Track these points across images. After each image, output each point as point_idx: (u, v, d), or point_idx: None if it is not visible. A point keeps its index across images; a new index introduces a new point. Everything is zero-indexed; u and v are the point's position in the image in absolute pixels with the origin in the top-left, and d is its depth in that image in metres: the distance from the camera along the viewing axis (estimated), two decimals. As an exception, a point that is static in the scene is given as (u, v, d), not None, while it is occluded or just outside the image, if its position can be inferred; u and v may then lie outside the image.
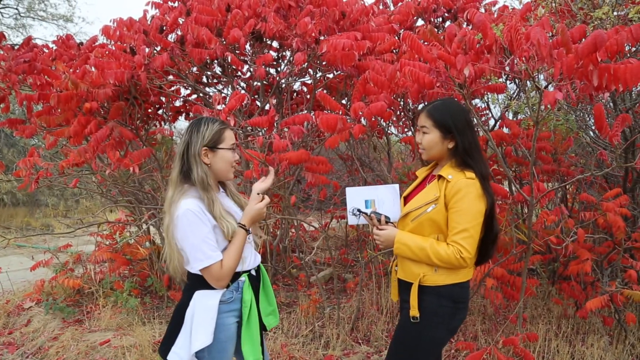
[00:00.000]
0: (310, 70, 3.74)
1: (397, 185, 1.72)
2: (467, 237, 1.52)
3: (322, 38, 3.16)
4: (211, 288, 1.51)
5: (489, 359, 2.38)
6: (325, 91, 3.55)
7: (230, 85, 3.87)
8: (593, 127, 3.28)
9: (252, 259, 1.64)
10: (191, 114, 4.17)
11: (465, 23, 3.14)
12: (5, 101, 3.51)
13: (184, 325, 1.50)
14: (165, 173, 3.87)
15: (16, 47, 3.58)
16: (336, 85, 3.80)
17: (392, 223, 1.70)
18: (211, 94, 3.84)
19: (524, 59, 1.93)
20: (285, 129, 2.78)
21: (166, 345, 1.53)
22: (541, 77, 2.29)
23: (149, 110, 4.10)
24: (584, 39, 1.83)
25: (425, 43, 2.50)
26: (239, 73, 3.96)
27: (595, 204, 2.77)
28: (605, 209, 2.57)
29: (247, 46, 3.48)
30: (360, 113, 2.57)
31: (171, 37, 3.49)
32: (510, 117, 3.55)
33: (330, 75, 3.80)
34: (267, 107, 3.74)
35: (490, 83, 2.75)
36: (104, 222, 4.33)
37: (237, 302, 1.57)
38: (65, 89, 3.05)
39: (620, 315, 2.89)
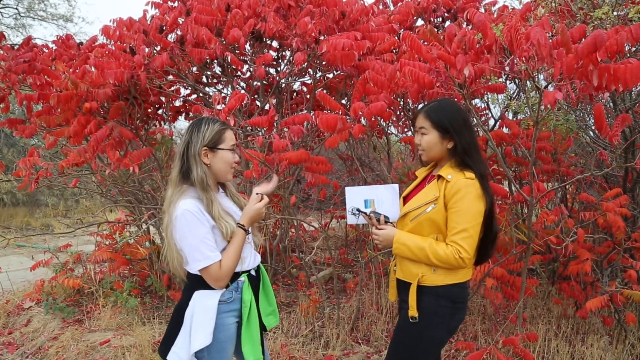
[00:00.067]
0: (310, 70, 3.74)
1: (396, 185, 1.72)
2: (466, 237, 1.52)
3: (322, 38, 3.16)
4: (210, 288, 1.51)
5: (488, 359, 2.38)
6: (325, 91, 3.55)
7: (230, 85, 3.87)
8: (593, 127, 3.28)
9: (251, 259, 1.64)
10: (191, 114, 4.17)
11: (465, 23, 3.14)
12: (5, 101, 3.51)
13: (183, 326, 1.50)
14: (165, 173, 3.87)
15: (16, 47, 3.58)
16: (336, 85, 3.80)
17: (391, 223, 1.70)
18: (211, 93, 3.84)
19: (523, 59, 1.93)
20: (285, 129, 2.78)
21: (166, 345, 1.53)
22: (541, 77, 2.29)
23: (149, 110, 4.10)
24: (583, 39, 1.83)
25: (425, 43, 2.50)
26: (239, 73, 3.96)
27: (595, 204, 2.77)
28: (605, 209, 2.57)
29: (247, 46, 3.48)
30: (360, 113, 2.57)
31: (171, 37, 3.49)
32: (510, 117, 3.55)
33: (330, 75, 3.80)
34: (267, 107, 3.74)
35: (490, 83, 2.75)
36: (104, 222, 4.33)
37: (237, 302, 1.57)
38: (65, 89, 3.05)
39: (620, 315, 2.89)
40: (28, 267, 4.31)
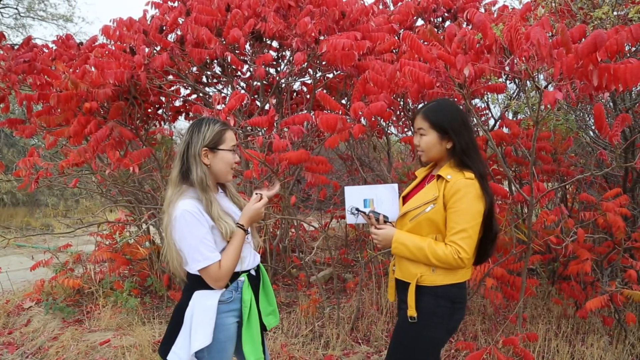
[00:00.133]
0: (310, 70, 3.74)
1: (396, 185, 1.72)
2: (465, 237, 1.52)
3: (322, 38, 3.16)
4: (210, 288, 1.51)
5: (488, 358, 2.38)
6: (325, 91, 3.55)
7: (230, 85, 3.87)
8: (593, 127, 3.28)
9: (251, 259, 1.64)
10: (191, 114, 4.17)
11: (465, 23, 3.14)
12: (5, 101, 3.51)
13: (183, 326, 1.50)
14: (165, 173, 3.87)
15: (16, 47, 3.58)
16: (336, 85, 3.80)
17: (390, 222, 1.70)
18: (211, 93, 3.84)
19: (523, 58, 1.93)
20: (285, 129, 2.78)
21: (166, 345, 1.53)
22: (541, 77, 2.29)
23: (149, 110, 4.10)
24: (583, 39, 1.83)
25: (425, 43, 2.50)
26: (239, 73, 3.96)
27: (595, 203, 2.77)
28: (605, 209, 2.57)
29: (247, 46, 3.48)
30: (360, 113, 2.57)
31: (171, 37, 3.49)
32: (510, 117, 3.55)
33: (330, 75, 3.80)
34: (267, 107, 3.74)
35: (490, 83, 2.75)
36: (104, 222, 4.33)
37: (237, 302, 1.57)
38: (65, 89, 3.05)
39: (620, 315, 2.89)
40: (28, 267, 4.31)
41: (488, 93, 3.03)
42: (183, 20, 3.39)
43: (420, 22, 3.72)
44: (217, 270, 1.47)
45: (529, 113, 2.91)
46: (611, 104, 3.06)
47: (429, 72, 2.30)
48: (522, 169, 3.33)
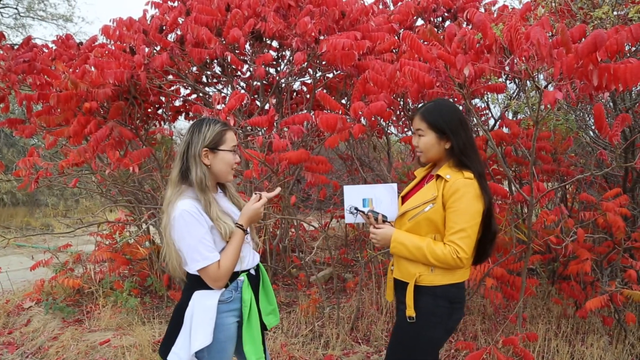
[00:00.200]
0: (310, 69, 3.74)
1: (394, 185, 1.72)
2: (464, 237, 1.52)
3: (321, 38, 3.16)
4: (210, 288, 1.51)
5: (488, 358, 2.38)
6: (325, 91, 3.55)
7: (230, 85, 3.87)
8: (593, 127, 3.28)
9: (250, 259, 1.64)
10: (191, 114, 4.17)
11: (465, 23, 3.14)
12: (5, 101, 3.50)
13: (183, 326, 1.50)
14: (165, 173, 3.87)
15: (16, 47, 3.58)
16: (336, 85, 3.80)
17: (389, 222, 1.70)
18: (211, 93, 3.84)
19: (523, 58, 1.93)
20: (285, 129, 2.78)
21: (166, 345, 1.53)
22: (541, 76, 2.29)
23: (149, 110, 4.10)
24: (583, 39, 1.83)
25: (425, 43, 2.50)
26: (239, 73, 3.96)
27: (595, 203, 2.77)
28: (605, 209, 2.57)
29: (247, 46, 3.48)
30: (360, 113, 2.57)
31: (171, 37, 3.49)
32: (510, 117, 3.55)
33: (330, 75, 3.80)
34: (266, 106, 3.74)
35: (490, 83, 2.75)
36: (104, 221, 4.33)
37: (237, 301, 1.57)
38: (64, 89, 3.05)
39: (620, 315, 2.89)
40: (28, 267, 4.31)
41: (488, 93, 3.03)
42: (183, 20, 3.38)
43: (420, 22, 3.72)
44: (216, 271, 1.47)
45: (529, 113, 2.91)
46: (611, 103, 3.06)
47: (429, 72, 2.30)
48: (522, 168, 3.33)
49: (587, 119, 3.39)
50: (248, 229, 1.60)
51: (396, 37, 3.28)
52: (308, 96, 4.10)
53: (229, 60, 3.31)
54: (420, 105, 2.35)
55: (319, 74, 3.76)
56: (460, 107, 3.22)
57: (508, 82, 3.14)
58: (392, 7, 3.99)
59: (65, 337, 3.21)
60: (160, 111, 4.27)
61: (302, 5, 3.29)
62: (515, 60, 1.98)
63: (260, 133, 3.46)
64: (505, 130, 3.15)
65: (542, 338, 2.81)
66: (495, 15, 3.38)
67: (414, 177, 1.86)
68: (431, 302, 1.60)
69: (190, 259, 1.46)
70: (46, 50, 3.70)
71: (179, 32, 3.41)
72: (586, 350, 2.72)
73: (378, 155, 4.15)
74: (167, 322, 1.62)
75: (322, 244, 4.87)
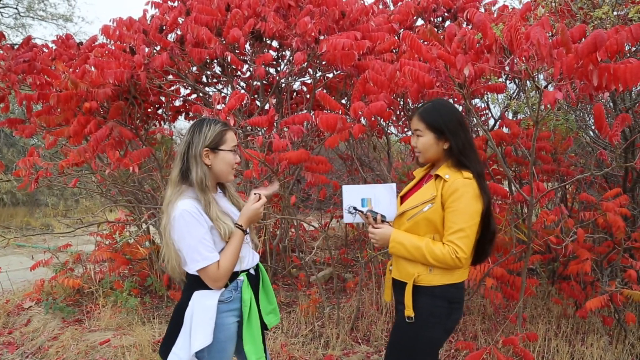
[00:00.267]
0: (310, 69, 3.74)
1: (394, 185, 1.72)
2: (463, 237, 1.52)
3: (321, 38, 3.16)
4: (210, 288, 1.51)
5: (488, 358, 2.38)
6: (325, 91, 3.55)
7: (230, 85, 3.87)
8: (593, 127, 3.28)
9: (250, 259, 1.64)
10: (191, 114, 4.17)
11: (465, 23, 3.14)
12: (5, 101, 3.50)
13: (183, 326, 1.50)
14: (165, 173, 3.87)
15: (16, 47, 3.57)
16: (336, 85, 3.80)
17: (388, 222, 1.70)
18: (211, 93, 3.84)
19: (523, 58, 1.93)
20: (285, 129, 2.78)
21: (166, 346, 1.53)
22: (541, 76, 2.29)
23: (149, 110, 4.10)
24: (583, 39, 1.83)
25: (425, 43, 2.50)
26: (239, 73, 3.96)
27: (595, 203, 2.77)
28: (605, 209, 2.57)
29: (247, 46, 3.48)
30: (360, 113, 2.57)
31: (171, 37, 3.49)
32: (510, 117, 3.55)
33: (330, 75, 3.80)
34: (266, 106, 3.74)
35: (490, 83, 2.75)
36: (104, 221, 4.33)
37: (237, 301, 1.57)
38: (64, 89, 3.05)
39: (620, 315, 2.89)
40: (28, 267, 4.31)
41: (488, 93, 3.03)
42: (183, 20, 3.38)
43: (420, 21, 3.72)
44: (216, 271, 1.47)
45: (529, 113, 2.91)
46: (611, 103, 3.06)
47: (429, 72, 2.30)
48: (522, 168, 3.33)
49: (587, 119, 3.39)
50: (247, 230, 1.60)
51: (396, 37, 3.28)
52: (308, 96, 4.10)
53: (229, 60, 3.31)
54: (418, 105, 2.35)
55: (319, 74, 3.76)
56: (460, 107, 3.23)
57: (508, 82, 3.14)
58: (392, 7, 3.99)
59: (65, 337, 3.21)
60: (160, 111, 4.27)
61: (302, 5, 3.29)
62: (515, 60, 1.98)
63: (260, 133, 3.46)
64: (505, 130, 3.15)
65: (542, 338, 2.81)
66: (495, 15, 3.38)
67: (414, 178, 1.86)
68: (430, 302, 1.60)
69: (189, 259, 1.46)
70: (46, 50, 3.70)
71: (179, 32, 3.41)
72: (586, 350, 2.72)
73: (378, 155, 4.15)
74: (167, 322, 1.62)
75: (322, 244, 4.87)
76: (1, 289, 4.37)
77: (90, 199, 8.88)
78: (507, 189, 2.83)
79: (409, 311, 1.61)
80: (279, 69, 3.92)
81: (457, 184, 1.54)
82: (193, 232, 1.44)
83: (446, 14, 3.61)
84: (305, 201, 5.48)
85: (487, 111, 3.65)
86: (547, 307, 3.32)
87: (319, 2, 3.19)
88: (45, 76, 3.25)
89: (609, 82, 1.75)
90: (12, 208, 10.36)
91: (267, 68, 3.75)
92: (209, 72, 4.01)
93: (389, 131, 3.91)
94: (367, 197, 1.72)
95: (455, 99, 2.83)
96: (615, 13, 2.45)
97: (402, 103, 3.30)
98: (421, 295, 1.61)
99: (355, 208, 1.72)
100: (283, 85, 3.88)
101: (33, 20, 14.48)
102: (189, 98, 4.22)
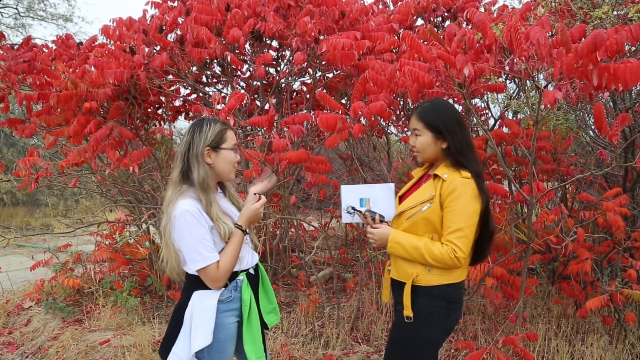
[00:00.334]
0: (309, 69, 3.74)
1: (392, 184, 1.72)
2: (461, 236, 1.52)
3: (321, 37, 3.16)
4: (209, 288, 1.51)
5: (488, 358, 2.38)
6: (324, 91, 3.55)
7: (229, 85, 3.87)
8: (593, 127, 3.28)
9: (249, 259, 1.64)
10: (191, 114, 4.17)
11: (465, 22, 3.14)
12: (5, 101, 3.50)
13: (183, 326, 1.50)
14: (165, 173, 3.87)
15: (16, 47, 3.57)
16: (336, 85, 3.80)
17: (386, 222, 1.70)
18: (211, 93, 3.84)
19: (523, 58, 1.93)
20: (285, 129, 2.78)
21: (166, 346, 1.53)
22: (541, 76, 2.29)
23: (149, 110, 4.10)
24: (583, 39, 1.83)
25: (425, 42, 2.50)
26: (239, 72, 3.96)
27: (595, 203, 2.77)
28: (605, 209, 2.57)
29: (247, 46, 3.48)
30: (360, 112, 2.57)
31: (171, 37, 3.49)
32: (510, 117, 3.55)
33: (330, 75, 3.80)
34: (266, 106, 3.74)
35: (489, 82, 2.75)
36: (104, 221, 4.33)
37: (236, 301, 1.57)
38: (64, 89, 3.05)
39: (620, 314, 2.89)
40: (28, 267, 4.31)
41: (488, 93, 3.03)
42: (183, 20, 3.38)
43: (420, 21, 3.72)
44: (216, 271, 1.47)
45: (528, 112, 2.91)
46: (611, 103, 3.06)
47: (429, 72, 2.30)
48: (522, 168, 3.33)
49: (587, 118, 3.39)
50: (247, 230, 1.60)
51: (396, 37, 3.28)
52: (308, 96, 4.10)
53: (228, 60, 3.31)
54: (417, 105, 2.35)
55: (318, 73, 3.76)
56: (460, 107, 3.23)
57: (508, 81, 3.14)
58: (392, 7, 3.98)
59: (65, 337, 3.21)
60: (160, 111, 4.27)
61: (302, 5, 3.29)
62: (515, 60, 1.98)
63: (260, 133, 3.46)
64: (505, 130, 3.14)
65: (542, 338, 2.81)
66: (495, 15, 3.38)
67: (412, 178, 1.86)
68: (428, 302, 1.60)
69: (189, 259, 1.46)
70: (46, 50, 3.70)
71: (178, 32, 3.41)
72: (586, 350, 2.72)
73: (378, 155, 4.15)
74: (167, 322, 1.62)
75: (322, 244, 4.87)
76: (1, 289, 4.37)
77: (90, 199, 8.88)
78: (507, 189, 2.83)
79: (407, 311, 1.61)
80: (279, 68, 3.92)
81: (455, 183, 1.54)
82: (193, 232, 1.44)
83: (446, 14, 3.61)
84: (305, 201, 5.49)
85: (487, 111, 3.65)
86: (547, 306, 3.32)
87: (318, 2, 3.19)
88: (45, 76, 3.25)
89: (609, 82, 1.75)
90: (12, 208, 10.36)
91: (267, 68, 3.75)
92: (209, 72, 4.01)
93: (388, 131, 3.91)
94: (366, 197, 1.72)
95: (455, 99, 2.83)
96: (615, 13, 2.45)
97: (402, 103, 3.30)
98: (420, 295, 1.61)
99: (353, 208, 1.72)
100: (283, 85, 3.88)
101: (33, 20, 14.49)
102: (189, 98, 4.22)
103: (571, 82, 1.87)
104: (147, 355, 2.88)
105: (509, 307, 3.26)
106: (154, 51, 3.37)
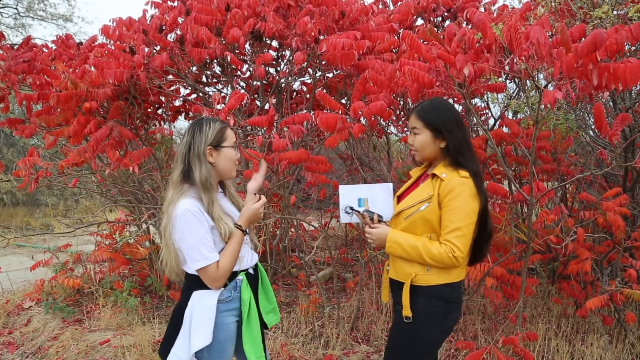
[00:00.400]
0: (309, 69, 3.74)
1: (390, 184, 1.72)
2: (459, 235, 1.52)
3: (321, 37, 3.16)
4: (209, 288, 1.51)
5: (488, 358, 2.38)
6: (324, 90, 3.55)
7: (229, 85, 3.87)
8: (593, 127, 3.28)
9: (249, 258, 1.64)
10: (191, 114, 4.17)
11: (465, 22, 3.14)
12: (5, 101, 3.50)
13: (183, 326, 1.50)
14: (165, 172, 3.87)
15: (16, 47, 3.57)
16: (336, 85, 3.80)
17: (384, 222, 1.70)
18: (211, 93, 3.84)
19: (523, 58, 1.93)
20: (285, 129, 2.78)
21: (166, 346, 1.53)
22: (541, 76, 2.29)
23: (149, 110, 4.10)
24: (583, 38, 1.83)
25: (425, 42, 2.50)
26: (239, 72, 3.96)
27: (595, 203, 2.77)
28: (605, 208, 2.57)
29: (247, 46, 3.48)
30: (360, 112, 2.57)
31: (171, 37, 3.49)
32: (510, 117, 3.55)
33: (330, 75, 3.80)
34: (266, 106, 3.74)
35: (489, 82, 2.75)
36: (104, 221, 4.33)
37: (236, 301, 1.57)
38: (64, 89, 3.05)
39: (620, 314, 2.89)
40: (28, 267, 4.31)
41: (488, 92, 3.03)
42: (183, 19, 3.38)
43: (420, 21, 3.72)
44: (215, 271, 1.47)
45: (528, 112, 2.91)
46: (611, 103, 3.06)
47: (429, 72, 2.30)
48: (522, 168, 3.33)
49: (587, 118, 3.39)
50: (247, 230, 1.60)
51: (396, 37, 3.28)
52: (308, 96, 4.10)
53: (228, 60, 3.31)
54: (417, 104, 2.35)
55: (318, 73, 3.76)
56: (460, 107, 3.23)
57: (508, 81, 3.14)
58: (392, 7, 3.98)
59: (65, 337, 3.21)
60: (160, 111, 4.27)
61: (302, 5, 3.29)
62: (515, 60, 1.98)
63: (260, 133, 3.46)
64: (505, 129, 3.14)
65: (542, 337, 2.81)
66: (495, 14, 3.38)
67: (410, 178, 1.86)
68: (426, 302, 1.60)
69: (190, 259, 1.46)
70: (46, 50, 3.70)
71: (178, 32, 3.41)
72: (586, 350, 2.72)
73: (378, 155, 4.15)
74: (167, 322, 1.62)
75: (322, 244, 4.87)
76: (1, 289, 4.37)
77: (90, 199, 8.89)
78: (507, 189, 2.83)
79: (406, 311, 1.61)
80: (278, 68, 3.92)
81: (453, 182, 1.54)
82: (194, 232, 1.45)
83: (446, 14, 3.61)
84: (305, 201, 5.48)
85: (487, 111, 3.65)
86: (547, 306, 3.32)
87: (318, 2, 3.19)
88: (45, 76, 3.25)
89: (609, 82, 1.75)
90: (12, 208, 10.36)
91: (267, 68, 3.75)
92: (208, 72, 4.01)
93: (388, 131, 3.91)
94: (364, 197, 1.72)
95: (455, 99, 2.83)
96: (615, 12, 2.45)
97: (402, 103, 3.30)
98: (418, 295, 1.61)
99: (352, 208, 1.72)
100: (283, 85, 3.88)
101: (33, 20, 14.49)
102: (189, 98, 4.22)
103: (571, 81, 1.87)
104: (147, 355, 2.88)
105: (509, 307, 3.26)
106: (154, 51, 3.37)
